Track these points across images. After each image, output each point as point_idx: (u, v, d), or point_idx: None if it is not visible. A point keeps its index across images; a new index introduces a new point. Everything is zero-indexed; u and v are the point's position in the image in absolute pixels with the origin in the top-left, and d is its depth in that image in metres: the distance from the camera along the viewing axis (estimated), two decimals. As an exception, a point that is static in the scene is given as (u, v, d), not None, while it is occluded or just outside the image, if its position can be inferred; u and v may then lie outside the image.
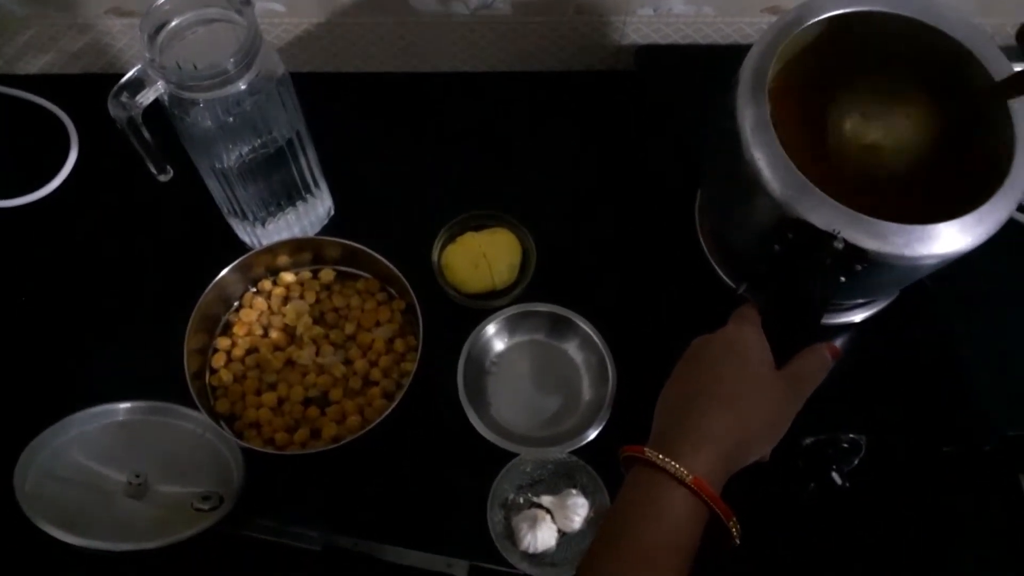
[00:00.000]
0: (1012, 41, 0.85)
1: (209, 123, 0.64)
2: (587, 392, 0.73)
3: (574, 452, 0.69)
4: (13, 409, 0.72)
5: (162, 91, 0.61)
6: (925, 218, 0.54)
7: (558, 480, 0.69)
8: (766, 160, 0.56)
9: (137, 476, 0.67)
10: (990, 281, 0.72)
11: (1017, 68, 0.68)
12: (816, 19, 0.62)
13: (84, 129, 0.86)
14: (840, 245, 0.53)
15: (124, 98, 0.60)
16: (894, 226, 0.54)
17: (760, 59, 0.60)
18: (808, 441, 0.66)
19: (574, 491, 0.68)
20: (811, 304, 0.56)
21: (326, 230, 0.82)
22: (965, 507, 0.70)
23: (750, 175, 0.57)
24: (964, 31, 0.61)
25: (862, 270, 0.55)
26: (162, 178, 0.69)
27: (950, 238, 0.54)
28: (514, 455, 0.68)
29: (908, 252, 0.54)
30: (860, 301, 0.69)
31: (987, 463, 0.70)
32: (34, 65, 0.88)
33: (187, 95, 0.61)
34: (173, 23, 0.62)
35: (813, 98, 0.69)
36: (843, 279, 0.55)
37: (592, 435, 0.70)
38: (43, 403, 0.71)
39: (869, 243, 0.53)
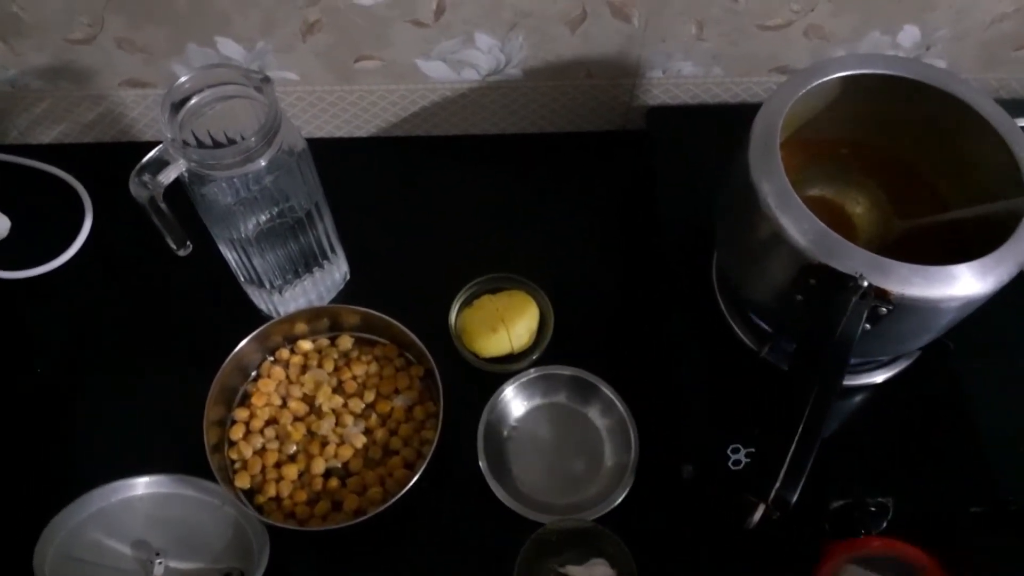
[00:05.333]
0: (1017, 95, 0.88)
1: (229, 198, 0.64)
2: (609, 457, 0.73)
3: (598, 519, 0.68)
4: (31, 487, 0.71)
5: (183, 169, 0.61)
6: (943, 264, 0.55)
7: (584, 549, 0.68)
8: (783, 210, 0.57)
9: (157, 555, 0.66)
10: (1010, 340, 0.72)
11: (1020, 123, 0.69)
12: (824, 79, 0.63)
13: (98, 198, 0.87)
14: (864, 284, 0.53)
15: (146, 178, 0.61)
16: (915, 267, 0.55)
17: (770, 117, 0.61)
18: (835, 505, 0.65)
19: (600, 560, 0.67)
20: (838, 349, 0.55)
21: (342, 295, 0.82)
22: (995, 567, 0.69)
23: (768, 227, 0.58)
24: (964, 90, 0.62)
25: (886, 315, 0.55)
26: (181, 252, 0.69)
27: (970, 280, 0.55)
28: (537, 523, 0.68)
29: (930, 294, 0.55)
30: (882, 360, 0.69)
31: (1015, 522, 0.69)
32: (48, 135, 0.89)
33: (208, 173, 0.62)
34: (193, 101, 0.62)
35: (820, 154, 0.70)
36: (868, 326, 0.55)
37: (616, 501, 0.69)
38: (61, 479, 0.70)
39: (891, 285, 0.54)
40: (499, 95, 0.86)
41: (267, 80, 0.62)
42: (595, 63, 0.82)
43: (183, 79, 0.61)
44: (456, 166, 0.90)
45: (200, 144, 0.65)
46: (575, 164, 0.90)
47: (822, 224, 0.56)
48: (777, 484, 0.50)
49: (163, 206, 0.64)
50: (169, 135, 0.60)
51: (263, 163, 0.62)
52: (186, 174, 0.63)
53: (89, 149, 0.90)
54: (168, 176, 0.61)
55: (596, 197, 0.87)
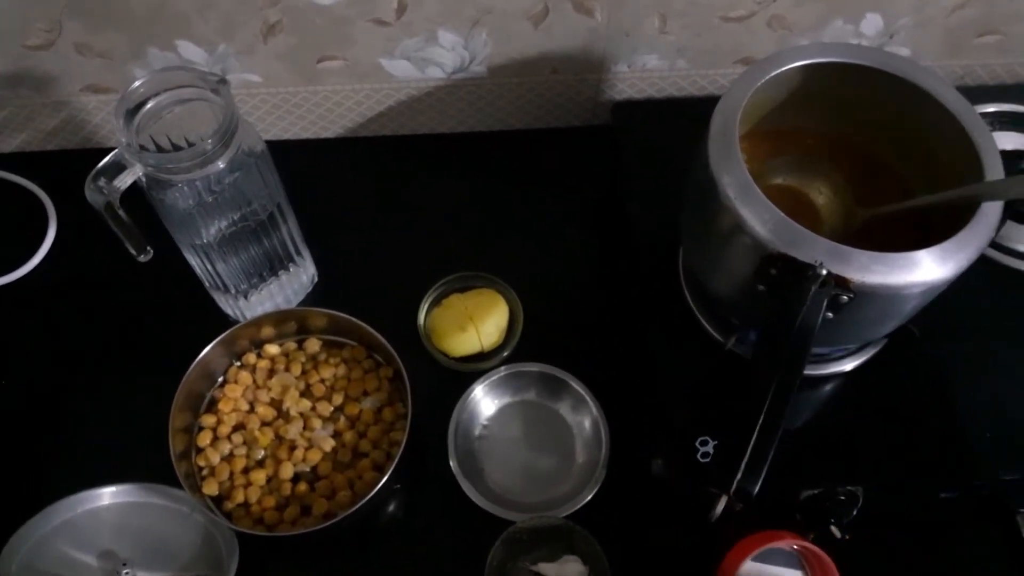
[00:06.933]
0: (983, 81, 0.88)
1: (189, 202, 0.64)
2: (580, 454, 0.72)
3: (570, 516, 0.68)
4: (-7, 499, 0.71)
5: (140, 174, 0.61)
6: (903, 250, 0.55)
7: (555, 546, 0.67)
8: (743, 202, 0.57)
9: (124, 565, 0.66)
10: (976, 324, 0.72)
11: (979, 109, 0.69)
12: (783, 69, 0.63)
13: (62, 206, 0.86)
14: (823, 272, 0.53)
15: (102, 183, 0.60)
16: (875, 255, 0.54)
17: (729, 109, 0.61)
18: (805, 495, 0.65)
19: (572, 557, 0.67)
20: (799, 338, 0.55)
21: (310, 297, 0.81)
22: (966, 552, 0.69)
23: (729, 218, 0.57)
24: (924, 77, 0.62)
25: (848, 302, 0.55)
26: (142, 258, 0.68)
27: (930, 265, 0.55)
28: (509, 522, 0.67)
29: (890, 281, 0.54)
30: (849, 347, 0.69)
31: (985, 507, 0.69)
32: (9, 144, 0.88)
33: (167, 177, 0.61)
34: (149, 105, 0.62)
35: (783, 143, 0.70)
36: (830, 314, 0.55)
37: (587, 498, 0.69)
38: (24, 491, 0.69)
39: (851, 273, 0.54)
40: (465, 93, 0.86)
41: (224, 82, 0.61)
42: (560, 59, 0.82)
43: (137, 83, 0.61)
44: (423, 165, 0.89)
45: (159, 148, 0.65)
46: (543, 160, 0.90)
47: (782, 214, 0.56)
48: (739, 476, 0.49)
49: (121, 212, 0.63)
50: (124, 139, 0.59)
51: (221, 165, 0.61)
52: (144, 179, 0.62)
53: (52, 157, 0.89)
54: (124, 181, 0.60)
55: (564, 193, 0.87)
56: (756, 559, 0.63)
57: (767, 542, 0.62)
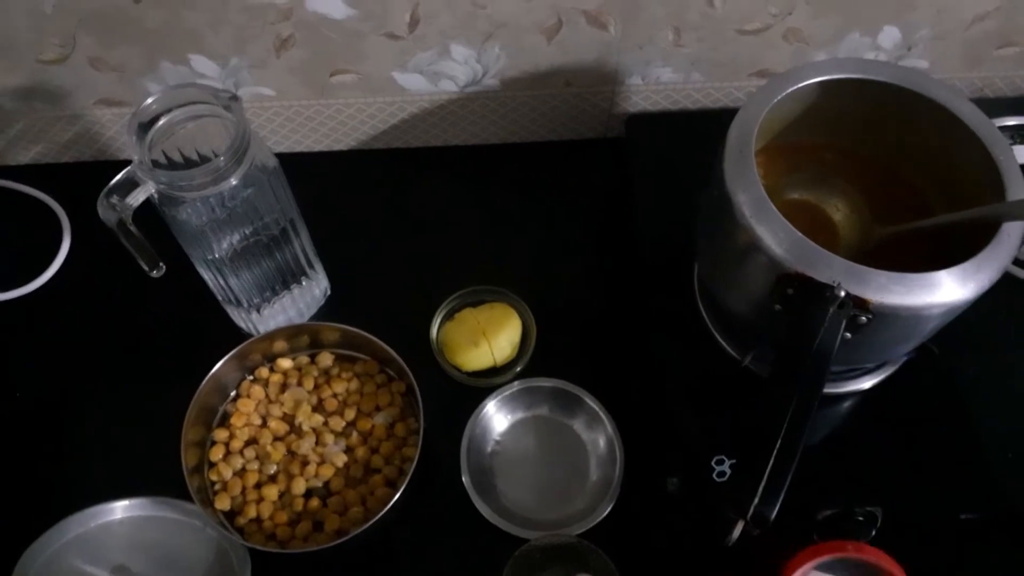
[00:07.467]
0: (1003, 93, 0.87)
1: (202, 218, 0.63)
2: (594, 471, 0.72)
3: (583, 534, 0.67)
4: (6, 513, 0.70)
5: (152, 191, 0.61)
6: (923, 269, 0.54)
7: (569, 564, 0.67)
8: (759, 219, 0.56)
9: (136, 580, 0.66)
10: (996, 342, 0.71)
11: (999, 122, 0.67)
12: (798, 85, 0.62)
13: (76, 218, 0.86)
14: (841, 294, 0.52)
15: (114, 200, 0.60)
16: (894, 275, 0.54)
17: (745, 125, 0.61)
18: (822, 515, 0.65)
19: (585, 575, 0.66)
20: (817, 359, 0.54)
21: (323, 310, 0.81)
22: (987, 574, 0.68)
23: (744, 236, 0.57)
24: (941, 92, 0.61)
25: (866, 323, 0.54)
26: (155, 274, 0.68)
27: (951, 286, 0.54)
28: (522, 540, 0.67)
29: (910, 302, 0.54)
30: (868, 367, 0.68)
31: (1006, 528, 0.68)
32: (24, 156, 0.88)
33: (178, 194, 0.61)
34: (162, 121, 0.61)
35: (800, 158, 0.69)
36: (848, 335, 0.54)
37: (601, 515, 0.68)
38: (37, 505, 0.69)
39: (870, 293, 0.53)
40: (478, 106, 0.85)
41: (235, 99, 0.61)
42: (573, 71, 0.82)
43: (149, 100, 0.61)
44: (436, 178, 0.89)
45: (172, 164, 0.65)
46: (556, 174, 0.89)
47: (798, 233, 0.55)
48: (756, 500, 0.49)
49: (133, 228, 0.63)
50: (136, 157, 0.59)
51: (234, 182, 0.61)
52: (156, 195, 0.62)
53: (67, 169, 0.90)
54: (137, 198, 0.60)
55: (578, 207, 0.87)
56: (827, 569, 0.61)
57: (829, 553, 0.60)
